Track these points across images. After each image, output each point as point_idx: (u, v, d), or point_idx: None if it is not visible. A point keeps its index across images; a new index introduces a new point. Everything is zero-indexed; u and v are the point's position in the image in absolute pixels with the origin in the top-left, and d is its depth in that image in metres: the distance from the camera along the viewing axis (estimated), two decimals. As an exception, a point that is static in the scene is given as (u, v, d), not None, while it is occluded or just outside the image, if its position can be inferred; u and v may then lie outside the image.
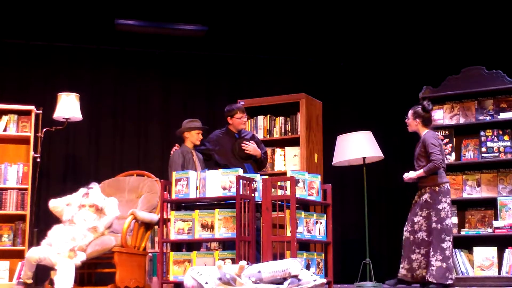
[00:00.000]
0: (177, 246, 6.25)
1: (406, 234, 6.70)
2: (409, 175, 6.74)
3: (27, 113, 7.61)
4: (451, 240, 6.54)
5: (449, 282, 6.45)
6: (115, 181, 7.24)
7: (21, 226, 7.44)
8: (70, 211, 6.41)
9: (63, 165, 8.66)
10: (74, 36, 8.85)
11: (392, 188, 9.14)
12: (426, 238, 6.55)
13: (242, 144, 7.11)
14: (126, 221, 6.44)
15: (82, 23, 8.84)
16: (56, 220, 7.60)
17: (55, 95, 7.67)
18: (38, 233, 7.13)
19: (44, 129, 7.52)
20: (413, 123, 6.80)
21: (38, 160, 7.43)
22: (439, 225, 6.51)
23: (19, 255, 7.30)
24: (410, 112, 6.84)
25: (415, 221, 6.64)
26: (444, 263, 6.44)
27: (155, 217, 6.65)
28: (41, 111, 7.59)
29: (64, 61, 8.80)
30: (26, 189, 7.44)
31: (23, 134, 7.57)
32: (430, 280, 6.44)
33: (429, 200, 6.59)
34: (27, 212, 7.36)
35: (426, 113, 6.78)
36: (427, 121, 6.80)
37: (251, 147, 7.12)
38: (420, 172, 6.65)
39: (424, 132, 6.75)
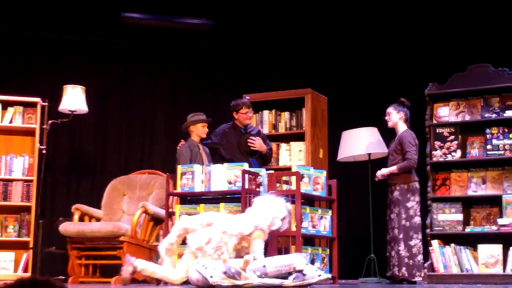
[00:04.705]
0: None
1: (389, 231, 6.83)
2: (382, 171, 6.85)
3: (33, 105, 7.63)
4: (419, 238, 6.75)
5: (416, 279, 6.58)
6: (127, 178, 7.38)
7: (26, 218, 7.45)
8: None
9: (68, 157, 8.67)
10: (81, 29, 8.85)
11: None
12: (397, 236, 6.68)
13: (249, 140, 7.12)
14: (137, 213, 6.55)
15: (89, 16, 8.85)
16: (60, 212, 7.64)
17: (61, 87, 7.68)
18: (44, 224, 7.15)
19: (50, 121, 7.53)
20: (396, 116, 6.97)
21: (44, 152, 7.44)
22: (407, 222, 6.70)
23: (24, 246, 7.32)
24: (392, 108, 7.02)
25: (392, 218, 6.76)
26: (411, 260, 6.65)
27: (164, 212, 6.69)
28: (47, 103, 7.60)
29: (70, 54, 8.81)
30: (31, 181, 7.45)
31: (28, 126, 7.59)
32: (400, 276, 6.64)
33: (399, 198, 6.76)
34: (32, 204, 7.38)
35: (407, 108, 7.00)
36: (407, 116, 7.01)
37: (257, 143, 7.13)
38: (393, 168, 6.79)
39: (403, 129, 6.91)
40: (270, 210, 5.24)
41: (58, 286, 2.20)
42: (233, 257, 5.09)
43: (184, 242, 6.07)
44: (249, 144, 7.12)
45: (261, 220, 5.20)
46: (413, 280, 6.62)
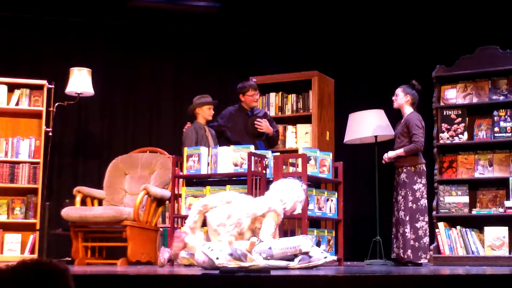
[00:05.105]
0: (188, 221, 6.28)
1: (395, 213, 6.83)
2: (389, 154, 6.84)
3: (40, 87, 7.63)
4: (425, 220, 6.75)
5: (422, 261, 6.58)
6: (129, 157, 7.34)
7: (33, 200, 7.47)
8: None
9: (74, 139, 8.69)
10: (87, 12, 8.83)
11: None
12: (403, 218, 6.67)
13: (256, 122, 7.11)
14: (139, 196, 6.51)
15: (96, -1, 8.83)
16: (66, 194, 7.66)
17: (67, 70, 7.67)
18: (50, 206, 7.17)
19: (56, 104, 7.52)
20: (403, 99, 6.93)
21: (50, 134, 7.44)
22: (414, 205, 6.69)
23: (31, 228, 7.35)
24: (400, 89, 6.98)
25: (398, 200, 6.76)
26: (417, 243, 6.64)
27: (167, 193, 6.69)
28: (53, 86, 7.59)
29: (77, 37, 8.79)
30: (38, 163, 7.46)
31: (35, 109, 7.59)
32: (405, 258, 6.63)
33: (406, 180, 6.74)
34: (39, 186, 7.40)
35: (416, 91, 6.96)
36: (415, 100, 6.96)
37: (264, 125, 7.12)
38: (400, 151, 6.78)
39: (409, 111, 6.86)
40: (290, 195, 5.29)
41: (62, 268, 2.18)
42: (248, 236, 5.13)
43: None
44: (255, 126, 7.11)
45: (275, 202, 5.23)
46: (419, 262, 6.63)
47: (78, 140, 8.69)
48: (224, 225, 5.15)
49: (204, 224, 5.34)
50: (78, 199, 6.87)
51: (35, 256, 7.12)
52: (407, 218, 6.68)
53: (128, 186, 7.18)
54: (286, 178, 5.50)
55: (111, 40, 8.94)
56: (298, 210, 5.36)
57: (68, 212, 6.59)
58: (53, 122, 7.51)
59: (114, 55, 8.93)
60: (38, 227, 7.22)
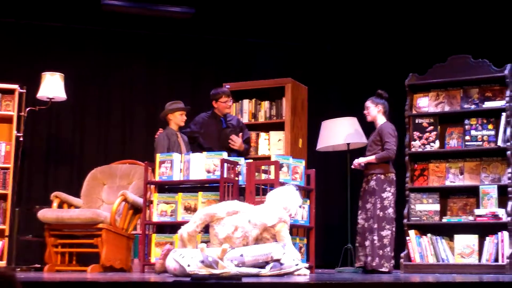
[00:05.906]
0: (160, 228, 6.26)
1: (361, 221, 6.83)
2: (359, 160, 6.87)
3: (11, 92, 7.54)
4: (391, 229, 6.75)
5: (384, 269, 6.59)
6: (108, 168, 7.36)
7: (2, 205, 7.38)
8: None
9: (46, 145, 8.61)
10: (60, 16, 8.76)
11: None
12: (372, 226, 6.71)
13: (230, 138, 7.09)
14: (117, 201, 6.52)
15: (69, 3, 8.76)
16: (37, 200, 7.59)
17: (39, 74, 7.60)
18: (20, 212, 7.09)
19: (28, 109, 7.45)
20: (374, 110, 6.97)
21: (21, 139, 7.37)
22: (381, 213, 6.71)
23: (0, 234, 7.25)
24: (369, 101, 7.02)
25: (367, 208, 6.78)
26: (381, 251, 6.63)
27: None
28: (24, 90, 7.52)
29: (50, 41, 8.73)
30: (8, 168, 7.37)
31: (6, 113, 7.51)
32: (373, 266, 6.66)
33: (375, 188, 6.77)
34: (9, 191, 7.31)
35: (385, 100, 6.99)
36: (386, 108, 7.00)
37: (237, 143, 7.12)
38: (371, 158, 6.81)
39: (382, 121, 6.91)
40: (293, 201, 5.39)
41: (8, 275, 2.17)
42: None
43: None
44: (229, 142, 7.10)
45: (283, 212, 5.29)
46: (381, 270, 6.63)
47: (49, 146, 8.62)
48: (231, 238, 5.16)
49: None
50: (55, 204, 6.83)
51: (4, 262, 7.04)
52: (375, 226, 6.71)
53: (106, 196, 7.16)
54: (288, 185, 5.56)
55: (84, 44, 8.89)
56: (298, 215, 5.40)
57: (44, 214, 6.57)
58: (24, 127, 7.45)
59: (87, 59, 8.88)
60: (7, 233, 7.13)
